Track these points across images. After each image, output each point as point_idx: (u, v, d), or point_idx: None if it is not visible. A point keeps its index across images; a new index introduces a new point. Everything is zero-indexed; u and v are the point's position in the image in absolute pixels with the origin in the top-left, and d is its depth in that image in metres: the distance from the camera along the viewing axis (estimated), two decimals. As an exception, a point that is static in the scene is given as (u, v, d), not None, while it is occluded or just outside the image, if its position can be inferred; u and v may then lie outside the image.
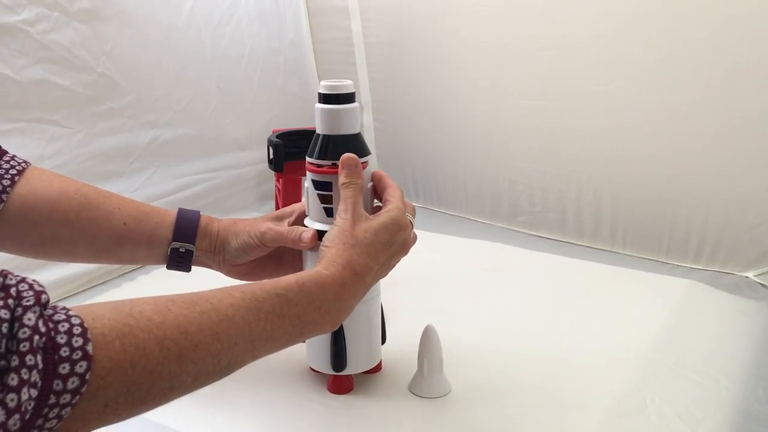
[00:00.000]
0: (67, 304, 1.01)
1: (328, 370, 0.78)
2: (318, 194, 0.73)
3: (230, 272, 0.78)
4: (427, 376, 0.79)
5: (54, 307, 0.42)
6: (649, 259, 1.27)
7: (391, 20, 1.54)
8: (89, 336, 0.41)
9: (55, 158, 1.08)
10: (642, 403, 0.78)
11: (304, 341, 0.76)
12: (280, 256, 0.78)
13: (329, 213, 0.73)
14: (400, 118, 1.61)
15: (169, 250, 0.74)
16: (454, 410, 0.77)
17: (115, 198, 0.73)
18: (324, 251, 0.65)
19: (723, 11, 1.10)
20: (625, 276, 1.16)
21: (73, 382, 0.39)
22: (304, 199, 0.76)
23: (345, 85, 0.73)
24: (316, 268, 0.63)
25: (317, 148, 0.73)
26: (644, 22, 1.18)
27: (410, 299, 1.04)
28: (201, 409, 0.76)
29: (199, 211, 0.76)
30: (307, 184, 0.75)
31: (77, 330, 0.41)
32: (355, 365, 0.78)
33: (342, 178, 0.70)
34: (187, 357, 0.47)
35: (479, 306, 1.04)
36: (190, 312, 0.49)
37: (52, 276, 1.08)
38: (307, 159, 0.74)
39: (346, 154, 0.71)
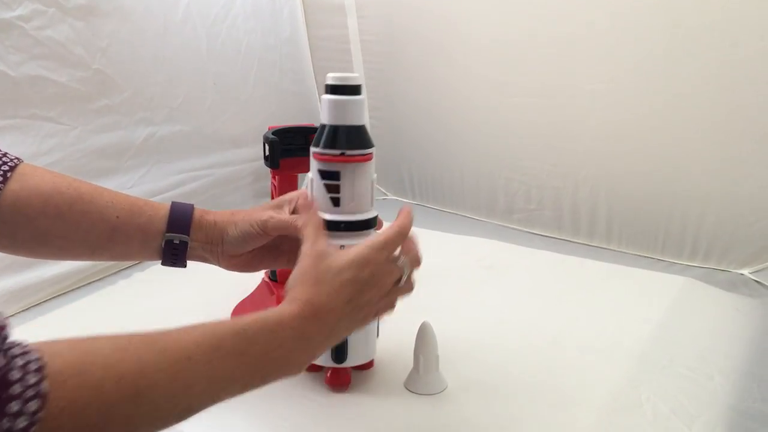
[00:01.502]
0: (64, 301, 1.01)
1: (328, 362, 0.78)
2: (325, 184, 0.73)
3: (228, 264, 0.77)
4: (422, 373, 0.79)
5: (12, 343, 0.40)
6: (645, 257, 1.28)
7: (387, 17, 1.54)
8: (45, 373, 0.39)
9: (50, 155, 1.08)
10: (637, 399, 0.78)
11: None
12: (278, 246, 0.77)
13: (336, 202, 0.73)
14: (396, 115, 1.61)
15: (163, 243, 0.73)
16: (449, 407, 0.77)
17: (107, 192, 0.72)
18: (286, 292, 0.64)
19: (720, 8, 1.11)
20: (620, 273, 1.16)
21: (22, 422, 0.38)
22: (308, 190, 0.76)
23: (353, 77, 0.73)
24: (279, 306, 0.61)
25: (324, 137, 0.73)
26: (641, 21, 1.18)
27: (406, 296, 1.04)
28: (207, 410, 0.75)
29: (192, 204, 0.75)
30: (311, 175, 0.75)
31: (33, 366, 0.39)
32: (354, 357, 0.78)
33: (301, 220, 0.69)
34: (144, 397, 0.45)
35: (475, 303, 1.04)
36: (149, 350, 0.47)
37: (48, 273, 1.08)
38: (313, 149, 0.74)
39: (303, 201, 0.73)
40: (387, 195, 1.67)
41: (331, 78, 0.72)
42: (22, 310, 1.05)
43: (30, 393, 0.38)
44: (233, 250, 0.75)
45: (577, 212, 1.35)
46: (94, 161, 1.16)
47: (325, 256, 0.64)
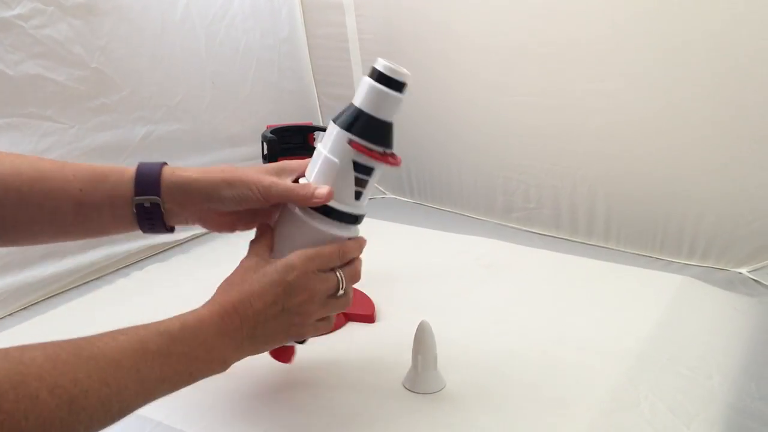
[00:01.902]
0: (63, 299, 1.01)
1: None
2: (356, 176, 0.70)
3: (208, 221, 0.73)
4: (421, 372, 0.80)
5: None
6: (643, 255, 1.28)
7: (386, 16, 1.54)
8: None
9: (48, 153, 1.07)
10: (635, 398, 0.78)
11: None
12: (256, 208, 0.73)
13: (358, 196, 0.71)
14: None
15: (134, 208, 0.68)
16: (448, 406, 0.77)
17: (69, 166, 0.68)
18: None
19: (719, 9, 1.10)
20: (619, 272, 1.16)
21: None
22: (320, 172, 0.71)
23: (408, 74, 0.71)
24: (201, 308, 0.64)
25: (372, 130, 0.69)
26: (640, 20, 1.18)
27: (404, 295, 1.04)
28: (195, 406, 0.76)
29: (163, 162, 0.70)
30: (334, 157, 0.69)
31: None
32: None
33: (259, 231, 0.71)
34: (78, 404, 0.46)
35: (473, 302, 1.04)
36: (78, 358, 0.48)
37: (47, 272, 1.08)
38: (357, 139, 0.69)
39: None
40: (386, 194, 1.67)
41: (393, 71, 0.70)
42: (21, 309, 1.05)
43: None
44: (222, 208, 0.70)
45: (576, 211, 1.35)
46: (92, 160, 1.16)
47: (252, 264, 0.67)
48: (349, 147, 0.69)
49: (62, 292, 1.11)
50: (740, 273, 1.19)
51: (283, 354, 0.76)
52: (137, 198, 0.68)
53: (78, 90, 1.12)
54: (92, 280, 1.16)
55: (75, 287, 1.13)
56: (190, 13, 1.34)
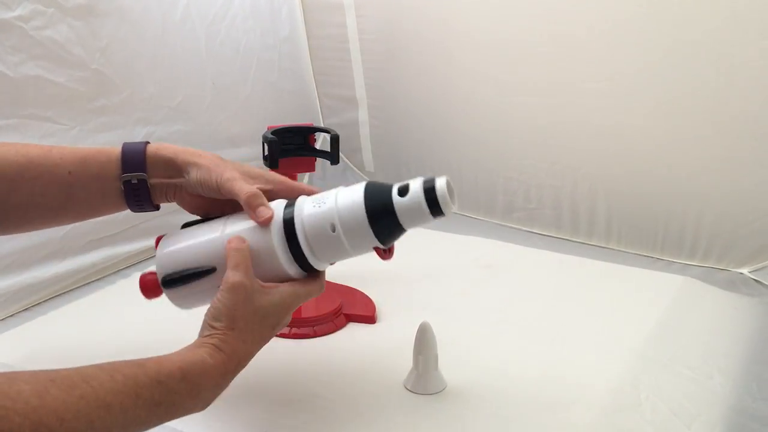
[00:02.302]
0: (63, 300, 1.00)
1: None
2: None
3: (186, 202, 0.74)
4: (422, 373, 0.79)
5: None
6: (644, 256, 1.28)
7: (386, 16, 1.54)
8: None
9: (49, 155, 1.07)
10: (636, 399, 0.78)
11: None
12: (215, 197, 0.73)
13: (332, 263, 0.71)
14: (395, 115, 1.61)
15: (121, 186, 0.70)
16: (449, 407, 0.77)
17: (56, 150, 0.69)
18: (210, 330, 0.63)
19: (719, 8, 1.10)
20: (620, 272, 1.16)
21: None
22: (327, 245, 0.67)
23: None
24: (203, 352, 0.60)
25: (395, 238, 0.67)
26: (640, 19, 1.18)
27: (405, 296, 1.04)
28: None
29: (147, 141, 0.72)
30: (347, 243, 0.66)
31: None
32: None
33: (234, 243, 0.66)
34: None
35: (474, 303, 1.04)
36: (69, 396, 0.48)
37: (47, 273, 1.08)
38: (380, 245, 0.66)
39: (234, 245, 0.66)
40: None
41: (446, 203, 0.66)
42: (23, 310, 1.05)
43: None
44: (191, 190, 0.72)
45: (577, 211, 1.35)
46: (92, 161, 1.16)
47: (251, 294, 0.64)
48: (369, 247, 0.67)
49: (63, 293, 1.11)
50: (741, 273, 1.19)
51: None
52: (124, 175, 0.69)
53: (78, 91, 1.12)
54: (93, 281, 1.16)
55: (76, 288, 1.13)
56: (190, 14, 1.34)
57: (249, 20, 1.48)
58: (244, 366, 0.64)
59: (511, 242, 1.31)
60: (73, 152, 0.70)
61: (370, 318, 0.97)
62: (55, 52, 1.07)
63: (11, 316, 1.03)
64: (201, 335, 0.63)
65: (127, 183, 0.70)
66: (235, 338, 0.62)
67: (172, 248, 0.71)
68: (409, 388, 0.80)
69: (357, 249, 0.67)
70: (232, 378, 0.64)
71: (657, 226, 1.26)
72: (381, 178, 1.68)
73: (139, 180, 0.70)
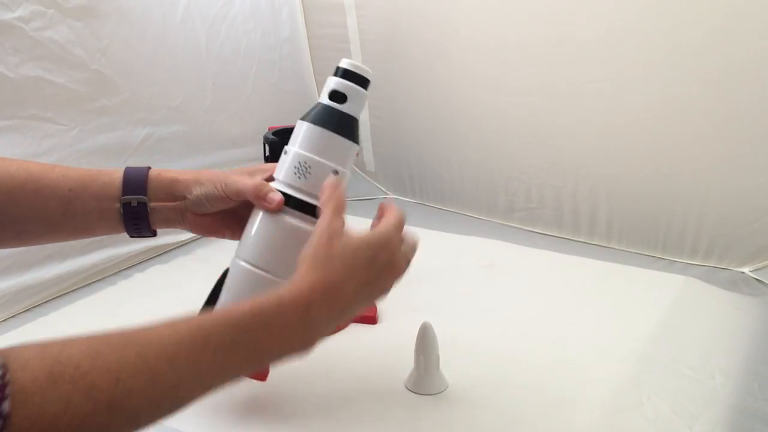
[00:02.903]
0: (64, 301, 1.00)
1: None
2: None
3: (193, 225, 0.73)
4: (423, 373, 0.80)
5: None
6: (646, 255, 1.28)
7: (387, 16, 1.54)
8: (8, 392, 0.39)
9: (48, 155, 1.07)
10: (638, 399, 0.78)
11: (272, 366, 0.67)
12: (244, 215, 0.72)
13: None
14: (396, 114, 1.60)
15: (120, 208, 0.69)
16: (450, 407, 0.77)
17: (59, 167, 0.69)
18: (296, 270, 0.60)
19: (719, 7, 1.10)
20: (621, 272, 1.16)
21: None
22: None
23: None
24: (280, 289, 0.58)
25: (348, 128, 0.69)
26: (641, 20, 1.18)
27: (406, 297, 1.04)
28: (194, 406, 0.75)
29: (149, 166, 0.72)
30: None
31: None
32: None
33: (325, 195, 0.64)
34: (120, 406, 0.43)
35: (476, 303, 1.04)
36: (124, 354, 0.45)
37: (48, 274, 1.08)
38: (358, 146, 0.70)
39: (331, 181, 0.67)
40: (387, 194, 1.67)
41: (359, 68, 0.70)
42: (24, 311, 1.05)
43: None
44: (196, 209, 0.72)
45: (578, 211, 1.35)
46: (92, 162, 1.16)
47: (339, 235, 0.61)
48: (354, 157, 0.71)
49: (64, 294, 1.11)
50: (743, 273, 1.19)
51: (259, 372, 0.74)
52: (124, 197, 0.70)
53: (78, 92, 1.12)
54: (94, 282, 1.16)
55: (77, 289, 1.13)
56: (190, 14, 1.34)
57: (249, 21, 1.48)
58: (336, 302, 0.59)
59: (513, 242, 1.31)
60: (74, 171, 0.70)
61: (371, 318, 0.97)
62: (55, 52, 1.07)
63: (12, 317, 1.03)
64: None
65: (126, 205, 0.70)
66: (317, 270, 0.59)
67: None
68: (410, 388, 0.80)
69: (344, 162, 0.69)
70: (322, 315, 0.58)
71: (658, 226, 1.26)
72: (382, 178, 1.68)
73: (138, 203, 0.70)
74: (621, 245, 1.32)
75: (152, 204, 0.71)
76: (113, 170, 0.71)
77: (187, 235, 1.32)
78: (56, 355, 0.43)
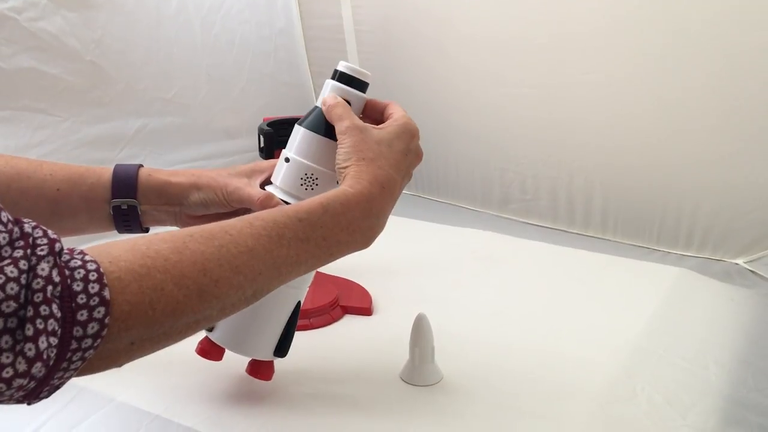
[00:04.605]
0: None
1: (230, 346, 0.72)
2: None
3: (182, 223, 0.73)
4: (418, 365, 0.80)
5: (71, 252, 0.42)
6: (640, 247, 1.28)
7: (382, 7, 1.53)
8: (105, 281, 0.41)
9: (42, 146, 1.07)
10: (632, 389, 0.78)
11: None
12: (238, 212, 0.72)
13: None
14: (391, 106, 1.60)
15: (110, 210, 0.69)
16: (445, 398, 0.77)
17: (47, 165, 0.68)
18: (343, 171, 0.63)
19: (717, 2, 1.10)
20: (615, 264, 1.17)
21: (92, 327, 0.40)
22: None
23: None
24: (341, 187, 0.61)
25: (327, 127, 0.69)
26: (637, 13, 1.18)
27: (402, 288, 1.04)
28: (192, 398, 0.76)
29: (139, 165, 0.71)
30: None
31: (93, 276, 0.41)
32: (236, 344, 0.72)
33: (330, 101, 0.67)
34: (209, 293, 0.47)
35: (470, 294, 1.04)
36: (208, 247, 0.48)
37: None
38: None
39: (326, 95, 0.68)
40: (382, 186, 1.67)
41: (358, 72, 0.70)
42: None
43: (94, 301, 0.40)
44: (193, 212, 0.72)
45: (573, 202, 1.35)
46: (86, 153, 1.15)
47: (369, 129, 0.65)
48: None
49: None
50: (737, 264, 1.19)
51: (264, 371, 0.74)
52: (114, 201, 0.69)
53: (72, 83, 1.11)
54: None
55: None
56: (185, 5, 1.33)
57: (244, 12, 1.48)
58: (392, 192, 0.63)
59: (508, 234, 1.31)
60: (63, 169, 0.69)
61: (366, 310, 0.97)
62: (49, 43, 1.07)
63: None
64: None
65: (116, 208, 0.69)
66: (368, 165, 0.62)
67: (253, 337, 0.71)
68: (405, 379, 0.80)
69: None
70: (383, 207, 0.62)
71: (653, 218, 1.26)
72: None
73: (129, 206, 0.69)
74: (616, 237, 1.32)
75: (143, 207, 0.70)
76: (102, 170, 0.70)
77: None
78: (144, 250, 0.45)
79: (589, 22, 1.24)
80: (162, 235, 0.48)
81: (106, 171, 0.69)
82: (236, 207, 0.71)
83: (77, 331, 0.40)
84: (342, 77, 0.69)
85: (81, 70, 1.12)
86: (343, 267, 1.01)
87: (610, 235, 1.33)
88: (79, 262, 0.41)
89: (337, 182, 0.63)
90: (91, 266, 0.41)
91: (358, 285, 1.02)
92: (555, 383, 0.80)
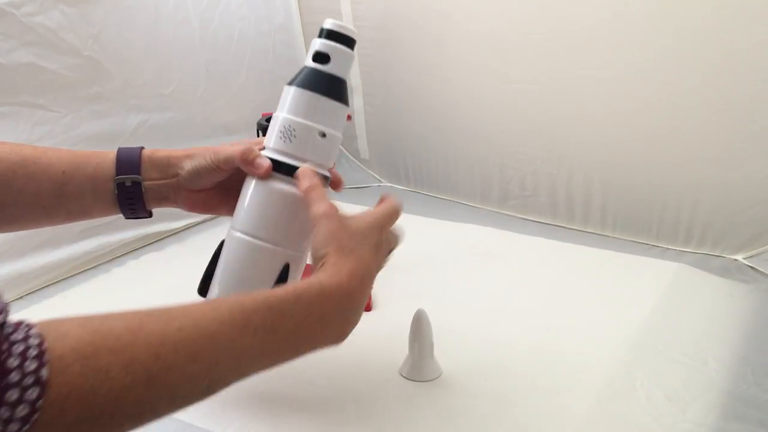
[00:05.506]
0: (58, 288, 1.00)
1: None
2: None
3: (186, 201, 0.73)
4: (417, 360, 0.80)
5: (17, 324, 0.39)
6: (640, 242, 1.28)
7: (382, 4, 1.53)
8: (45, 359, 0.38)
9: (41, 142, 1.07)
10: (632, 385, 0.78)
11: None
12: (239, 189, 0.72)
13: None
14: (390, 102, 1.60)
15: (115, 188, 0.70)
16: (444, 394, 0.78)
17: (51, 150, 0.69)
18: (320, 259, 0.60)
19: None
20: (615, 259, 1.17)
21: (22, 410, 0.37)
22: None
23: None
24: (318, 276, 0.57)
25: (338, 90, 0.69)
26: (636, 9, 1.18)
27: (401, 283, 1.04)
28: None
29: (142, 147, 0.72)
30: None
31: (33, 352, 0.38)
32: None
33: (307, 181, 0.65)
34: (158, 381, 0.43)
35: (470, 290, 1.04)
36: (166, 329, 0.45)
37: (42, 261, 1.08)
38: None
39: (304, 168, 0.67)
40: (381, 182, 1.67)
41: (343, 27, 0.69)
42: (17, 298, 1.05)
43: (29, 380, 0.37)
44: (189, 185, 0.72)
45: (572, 198, 1.35)
46: (85, 148, 1.14)
47: (346, 218, 0.62)
48: (344, 118, 0.71)
49: (58, 282, 1.11)
50: (736, 260, 1.19)
51: None
52: (118, 177, 0.70)
53: (71, 78, 1.11)
54: (88, 269, 1.15)
55: (70, 276, 1.13)
56: (183, 1, 1.33)
57: (243, 7, 1.47)
58: (368, 287, 0.60)
59: (507, 230, 1.31)
60: (68, 153, 0.70)
61: (365, 306, 0.97)
62: (47, 38, 1.06)
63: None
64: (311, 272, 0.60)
65: (120, 185, 0.70)
66: (348, 256, 0.59)
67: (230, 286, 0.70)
68: (404, 375, 0.80)
69: (332, 124, 0.69)
70: (360, 302, 0.60)
71: (652, 213, 1.26)
72: (376, 166, 1.68)
73: (133, 182, 0.70)
74: (615, 233, 1.32)
75: (146, 183, 0.71)
76: (106, 152, 0.71)
77: (181, 223, 1.32)
78: (97, 326, 0.42)
79: (589, 18, 1.23)
80: (118, 313, 0.45)
81: (111, 152, 0.71)
82: (226, 168, 0.70)
83: (4, 413, 0.36)
84: (330, 34, 0.69)
85: (80, 65, 1.12)
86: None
87: (609, 231, 1.33)
88: (22, 336, 0.38)
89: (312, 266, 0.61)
90: (33, 341, 0.38)
91: (358, 281, 1.02)
92: (554, 378, 0.80)
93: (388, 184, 1.66)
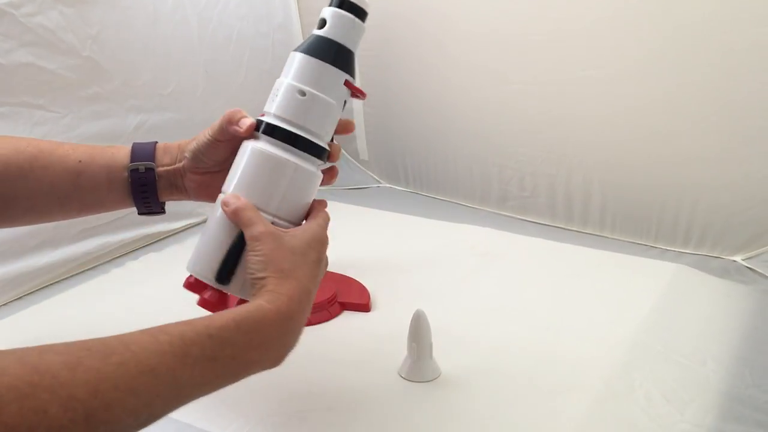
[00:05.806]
0: (56, 290, 1.00)
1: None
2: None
3: (193, 185, 0.73)
4: (416, 361, 0.80)
5: None
6: (638, 243, 1.28)
7: (380, 3, 1.53)
8: None
9: (41, 143, 1.07)
10: (630, 386, 0.78)
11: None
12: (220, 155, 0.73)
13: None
14: (389, 103, 1.60)
15: (128, 175, 0.71)
16: (443, 394, 0.78)
17: (67, 144, 0.72)
18: (258, 282, 0.60)
19: (713, -3, 1.10)
20: (613, 260, 1.17)
21: None
22: (316, 115, 0.70)
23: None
24: (257, 302, 0.57)
25: (352, 66, 0.69)
26: (636, 8, 1.18)
27: (400, 284, 1.04)
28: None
29: (156, 141, 0.75)
30: (330, 99, 0.69)
31: None
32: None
33: (233, 201, 0.64)
34: (97, 418, 0.42)
35: (469, 291, 1.04)
36: (105, 365, 0.44)
37: (41, 262, 1.08)
38: (349, 77, 0.70)
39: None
40: (381, 182, 1.67)
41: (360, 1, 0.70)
42: (16, 299, 1.05)
43: None
44: (193, 165, 0.72)
45: (571, 199, 1.35)
46: (85, 149, 1.15)
47: (283, 236, 0.62)
48: (344, 88, 0.70)
49: (57, 282, 1.11)
50: (735, 261, 1.19)
51: (211, 301, 0.69)
52: (132, 164, 0.71)
53: (70, 79, 1.11)
54: (87, 270, 1.15)
55: (69, 277, 1.13)
56: (181, 1, 1.33)
57: (242, 7, 1.47)
58: (307, 308, 0.61)
59: (506, 230, 1.31)
60: (83, 146, 0.72)
61: (364, 306, 0.97)
62: (46, 39, 1.06)
63: (4, 304, 1.03)
64: (252, 294, 0.60)
65: (134, 171, 0.71)
66: (287, 279, 0.59)
67: (198, 252, 0.68)
68: (403, 375, 0.81)
69: (333, 93, 0.69)
70: (300, 324, 0.60)
71: (651, 215, 1.26)
72: (375, 166, 1.68)
73: (147, 168, 0.71)
74: (614, 234, 1.32)
75: (159, 170, 0.72)
76: (122, 146, 0.73)
77: (181, 223, 1.32)
78: (35, 363, 0.42)
79: (588, 19, 1.23)
80: (57, 346, 0.44)
81: (126, 146, 0.73)
82: (221, 139, 0.71)
83: None
84: (344, 4, 0.69)
85: (79, 65, 1.12)
86: (341, 263, 1.02)
87: (608, 232, 1.33)
88: None
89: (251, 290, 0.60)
90: None
91: (357, 281, 1.02)
92: (553, 379, 0.80)
93: (387, 185, 1.66)
